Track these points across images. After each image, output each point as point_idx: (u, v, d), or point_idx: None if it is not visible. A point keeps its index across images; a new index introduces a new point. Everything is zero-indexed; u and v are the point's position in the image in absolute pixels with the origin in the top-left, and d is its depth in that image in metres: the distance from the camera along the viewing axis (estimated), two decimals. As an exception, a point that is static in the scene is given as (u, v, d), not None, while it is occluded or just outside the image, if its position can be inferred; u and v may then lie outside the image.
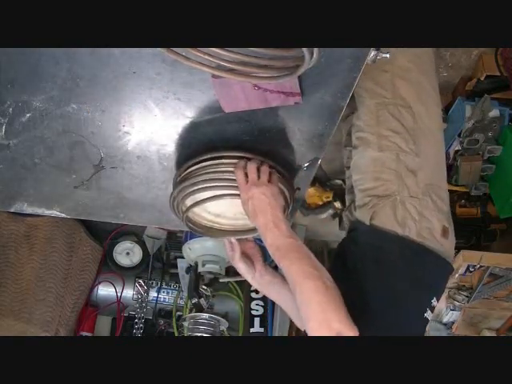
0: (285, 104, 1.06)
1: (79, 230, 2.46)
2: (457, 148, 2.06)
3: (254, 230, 1.28)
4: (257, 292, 2.49)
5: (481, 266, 2.14)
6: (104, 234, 2.57)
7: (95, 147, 1.20)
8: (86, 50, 0.97)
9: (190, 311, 2.18)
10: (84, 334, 2.57)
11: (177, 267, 2.50)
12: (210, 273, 1.98)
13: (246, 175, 1.12)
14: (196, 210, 1.26)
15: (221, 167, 1.16)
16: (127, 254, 2.58)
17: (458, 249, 2.09)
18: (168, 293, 2.66)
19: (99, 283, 2.59)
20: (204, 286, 1.97)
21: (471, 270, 2.16)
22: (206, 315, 2.03)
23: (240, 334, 2.48)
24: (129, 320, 2.64)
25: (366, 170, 1.36)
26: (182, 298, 2.62)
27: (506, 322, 2.33)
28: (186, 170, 1.19)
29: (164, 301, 2.66)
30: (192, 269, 2.05)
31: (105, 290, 2.61)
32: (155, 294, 2.64)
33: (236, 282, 2.51)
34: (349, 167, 1.47)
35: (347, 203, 1.49)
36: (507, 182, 2.01)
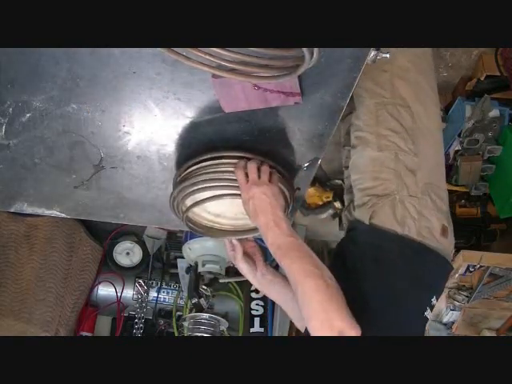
0: (285, 104, 1.06)
1: (79, 230, 2.46)
2: (457, 148, 2.06)
3: (254, 229, 1.28)
4: (257, 292, 2.49)
5: (481, 266, 2.15)
6: (104, 234, 2.57)
7: (95, 147, 1.20)
8: (86, 49, 0.97)
9: (190, 311, 2.18)
10: (84, 333, 2.57)
11: (177, 267, 2.50)
12: (210, 273, 1.98)
13: (247, 175, 1.12)
14: (196, 210, 1.26)
15: (221, 167, 1.16)
16: (127, 254, 2.58)
17: (457, 249, 2.10)
18: (168, 293, 2.66)
19: (99, 283, 2.59)
20: (204, 286, 1.97)
21: (471, 269, 2.16)
22: (206, 315, 2.03)
23: (240, 334, 2.48)
24: (129, 320, 2.64)
25: (365, 170, 1.36)
26: (182, 298, 2.62)
27: (506, 322, 2.33)
28: (186, 170, 1.19)
29: (164, 301, 2.66)
30: (192, 269, 2.05)
31: (105, 290, 2.61)
32: (155, 294, 2.64)
33: (236, 282, 2.51)
34: (347, 167, 1.48)
35: (346, 203, 1.49)
36: (507, 182, 2.01)
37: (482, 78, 1.97)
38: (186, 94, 1.07)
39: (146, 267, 2.61)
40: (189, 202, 1.22)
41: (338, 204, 2.30)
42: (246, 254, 1.37)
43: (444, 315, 2.30)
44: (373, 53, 1.03)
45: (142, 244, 2.58)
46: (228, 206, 1.25)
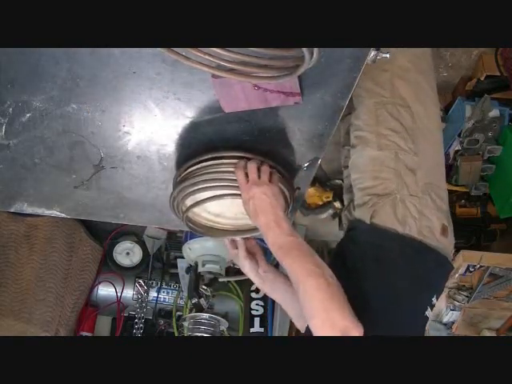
0: (285, 104, 1.06)
1: (79, 230, 2.46)
2: (457, 148, 2.06)
3: (254, 229, 1.28)
4: (257, 292, 2.49)
5: (481, 266, 2.14)
6: (104, 234, 2.57)
7: (95, 147, 1.20)
8: (86, 49, 0.97)
9: (190, 311, 2.17)
10: (84, 333, 2.57)
11: (177, 267, 2.50)
12: (210, 273, 1.98)
13: (247, 175, 1.12)
14: (196, 209, 1.26)
15: (221, 167, 1.16)
16: (127, 254, 2.58)
17: (457, 249, 2.09)
18: (168, 293, 2.65)
19: (99, 283, 2.59)
20: (204, 286, 1.97)
21: (471, 269, 2.16)
22: (206, 315, 2.03)
23: (240, 334, 2.47)
24: (129, 320, 2.64)
25: (365, 169, 1.36)
26: (182, 298, 2.61)
27: (506, 322, 2.33)
28: (186, 170, 1.19)
29: (164, 301, 2.65)
30: (192, 269, 2.04)
31: (105, 290, 2.61)
32: (155, 294, 2.63)
33: (236, 281, 2.51)
34: (347, 166, 1.47)
35: (345, 202, 1.49)
36: (507, 182, 2.01)
37: (482, 78, 1.97)
38: (186, 94, 1.07)
39: (146, 267, 2.61)
40: (189, 202, 1.22)
41: (337, 204, 2.30)
42: (248, 252, 1.37)
43: (444, 315, 2.30)
44: (373, 53, 1.03)
45: (142, 244, 2.57)
46: (228, 205, 1.25)
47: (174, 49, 0.87)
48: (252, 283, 2.41)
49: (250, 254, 1.38)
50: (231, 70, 0.89)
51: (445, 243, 1.29)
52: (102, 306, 2.60)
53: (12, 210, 1.39)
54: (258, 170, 1.13)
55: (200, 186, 1.15)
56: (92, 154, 1.22)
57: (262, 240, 1.15)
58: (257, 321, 2.45)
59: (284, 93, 1.03)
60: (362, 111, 1.40)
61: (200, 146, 1.19)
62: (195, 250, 2.04)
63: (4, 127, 1.14)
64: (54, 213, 1.40)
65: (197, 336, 2.00)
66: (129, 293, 2.63)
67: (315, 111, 1.11)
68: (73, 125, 1.14)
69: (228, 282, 2.47)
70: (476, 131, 1.97)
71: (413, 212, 1.27)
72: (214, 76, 0.98)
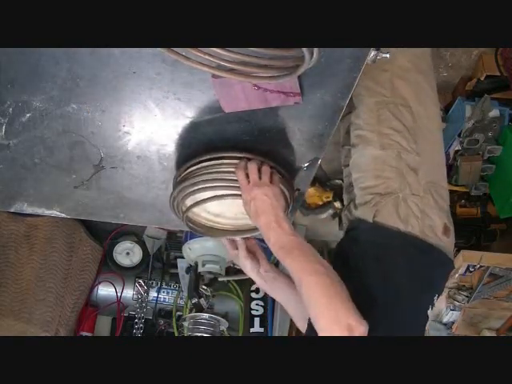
0: (285, 104, 1.06)
1: (79, 230, 2.46)
2: (457, 148, 2.06)
3: (254, 229, 1.28)
4: (257, 292, 2.49)
5: (481, 266, 2.14)
6: (104, 234, 2.57)
7: (95, 147, 1.20)
8: (86, 49, 0.97)
9: (190, 311, 2.18)
10: (84, 333, 2.57)
11: (177, 267, 2.50)
12: (210, 273, 1.98)
13: (247, 176, 1.12)
14: (196, 209, 1.26)
15: (221, 167, 1.16)
16: (127, 254, 2.58)
17: (458, 249, 2.09)
18: (168, 293, 2.66)
19: (99, 283, 2.59)
20: (204, 286, 1.97)
21: (471, 270, 2.16)
22: (206, 315, 2.03)
23: (240, 334, 2.47)
24: (129, 320, 2.64)
25: (367, 168, 1.36)
26: (182, 298, 2.62)
27: (506, 322, 2.33)
28: (186, 170, 1.19)
29: (164, 301, 2.66)
30: (192, 269, 2.05)
31: (105, 290, 2.61)
32: (155, 294, 2.63)
33: (236, 281, 2.51)
34: (347, 165, 1.47)
35: (345, 202, 1.49)
36: (507, 182, 2.01)
37: (482, 78, 1.97)
38: (186, 94, 1.07)
39: (146, 267, 2.61)
40: (189, 202, 1.22)
41: (337, 204, 2.30)
42: (249, 252, 1.37)
43: (444, 315, 2.30)
44: (373, 53, 1.03)
45: (142, 244, 2.57)
46: (228, 205, 1.25)
47: (174, 49, 0.87)
48: (252, 283, 2.43)
49: (251, 253, 1.38)
50: (231, 70, 0.89)
51: (446, 243, 1.29)
52: (101, 306, 2.60)
53: (12, 210, 1.39)
54: (259, 170, 1.13)
55: (200, 186, 1.15)
56: (92, 153, 1.22)
57: (261, 240, 1.15)
58: (257, 321, 2.45)
59: (284, 93, 1.03)
60: (362, 110, 1.40)
61: (200, 146, 1.19)
62: (195, 250, 2.04)
63: (4, 127, 1.14)
64: (54, 213, 1.40)
65: (197, 336, 2.00)
66: (129, 293, 2.63)
67: (315, 111, 1.11)
68: (73, 125, 1.14)
69: (228, 281, 2.47)
70: (476, 131, 1.97)
71: (415, 211, 1.27)
72: (214, 76, 0.98)
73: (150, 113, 1.11)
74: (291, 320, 1.42)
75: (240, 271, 1.46)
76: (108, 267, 2.59)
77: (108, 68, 1.01)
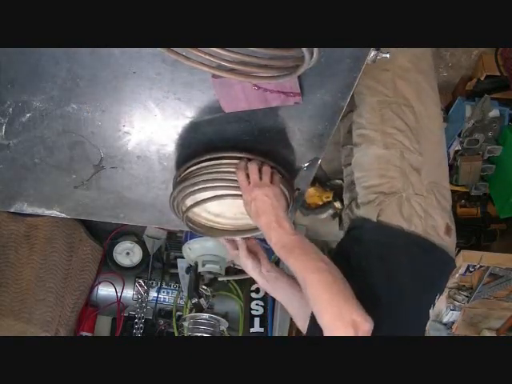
0: (285, 104, 1.06)
1: (79, 230, 2.46)
2: (457, 148, 2.06)
3: (254, 229, 1.28)
4: (257, 292, 2.49)
5: (481, 266, 2.14)
6: (104, 234, 2.57)
7: (95, 147, 1.20)
8: (86, 49, 0.97)
9: (190, 311, 2.18)
10: (84, 333, 2.57)
11: (177, 267, 2.50)
12: (210, 273, 1.98)
13: (248, 176, 1.12)
14: (196, 209, 1.26)
15: (221, 167, 1.16)
16: (127, 254, 2.58)
17: (458, 249, 2.09)
18: (168, 293, 2.65)
19: (99, 283, 2.59)
20: (204, 286, 1.97)
21: (471, 269, 2.16)
22: (206, 315, 2.03)
23: (240, 334, 2.47)
24: (129, 320, 2.64)
25: (370, 168, 1.36)
26: (182, 298, 2.61)
27: (506, 322, 2.33)
28: (186, 170, 1.19)
29: (164, 301, 2.65)
30: (192, 269, 2.05)
31: (105, 290, 2.61)
32: (155, 294, 2.63)
33: (236, 281, 2.51)
34: (347, 165, 1.47)
35: (346, 201, 1.48)
36: (507, 182, 2.01)
37: (482, 78, 1.97)
38: (186, 94, 1.07)
39: (146, 267, 2.61)
40: (189, 202, 1.22)
41: (338, 204, 2.30)
42: (249, 251, 1.37)
43: (444, 315, 2.30)
44: (373, 53, 1.03)
45: (142, 244, 2.57)
46: (228, 206, 1.25)
47: (174, 49, 0.87)
48: (252, 283, 2.43)
49: (252, 253, 1.38)
50: (231, 70, 0.89)
51: (449, 242, 1.29)
52: (101, 306, 2.60)
53: (12, 210, 1.39)
54: (259, 170, 1.13)
55: (200, 186, 1.15)
56: (92, 153, 1.22)
57: (262, 240, 1.15)
58: (257, 321, 2.45)
59: (284, 93, 1.03)
60: (364, 109, 1.40)
61: (200, 146, 1.19)
62: (195, 250, 2.04)
63: (4, 127, 1.14)
64: (54, 213, 1.40)
65: (197, 336, 2.00)
66: (129, 293, 2.63)
67: (315, 111, 1.11)
68: (73, 125, 1.14)
69: (228, 281, 2.47)
70: (476, 131, 1.97)
71: (418, 211, 1.27)
72: (214, 76, 0.98)
73: (150, 113, 1.11)
74: (291, 320, 1.42)
75: (240, 271, 1.46)
76: (108, 267, 2.59)
77: (108, 68, 1.01)
